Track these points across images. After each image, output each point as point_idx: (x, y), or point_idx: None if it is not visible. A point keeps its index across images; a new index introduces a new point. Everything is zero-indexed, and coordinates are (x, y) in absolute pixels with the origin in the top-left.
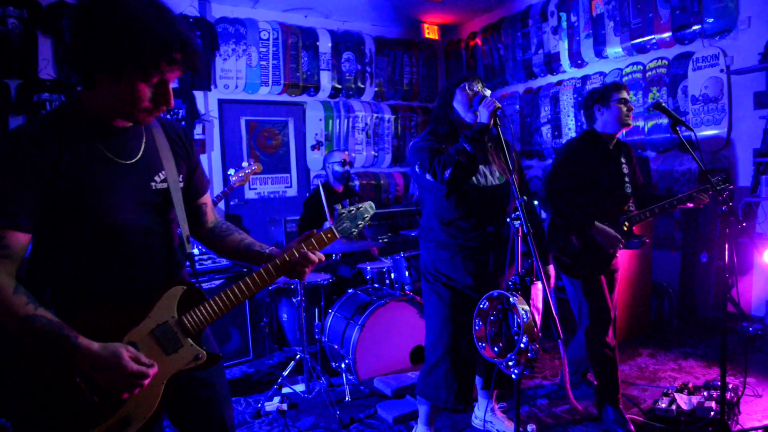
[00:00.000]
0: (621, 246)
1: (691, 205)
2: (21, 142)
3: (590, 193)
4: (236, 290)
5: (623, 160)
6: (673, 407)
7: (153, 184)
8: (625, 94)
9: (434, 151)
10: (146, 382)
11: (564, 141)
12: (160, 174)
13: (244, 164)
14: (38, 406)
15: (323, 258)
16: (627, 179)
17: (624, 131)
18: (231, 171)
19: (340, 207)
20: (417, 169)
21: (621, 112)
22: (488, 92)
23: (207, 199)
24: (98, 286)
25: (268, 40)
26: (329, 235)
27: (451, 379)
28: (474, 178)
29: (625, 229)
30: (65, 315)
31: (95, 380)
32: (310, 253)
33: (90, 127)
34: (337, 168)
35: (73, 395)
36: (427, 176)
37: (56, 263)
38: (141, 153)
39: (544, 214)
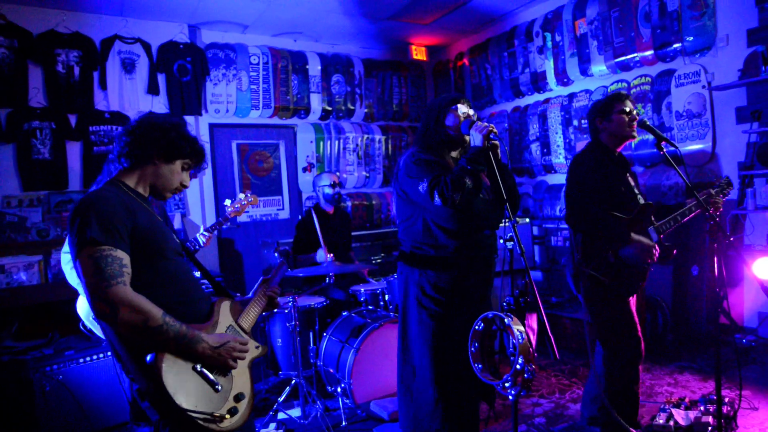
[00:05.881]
0: (656, 254)
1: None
2: (111, 198)
3: (613, 206)
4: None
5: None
6: (671, 423)
7: (174, 236)
8: (628, 105)
9: (433, 167)
10: (248, 347)
11: (552, 158)
12: (173, 233)
13: (241, 196)
14: (183, 396)
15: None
16: (636, 191)
17: (633, 143)
18: (227, 202)
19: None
20: (421, 190)
21: (623, 124)
22: (473, 113)
23: None
24: (171, 305)
25: (258, 64)
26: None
27: (456, 408)
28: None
29: (659, 239)
30: None
31: (213, 365)
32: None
33: (136, 197)
34: (328, 191)
35: (202, 384)
36: (436, 199)
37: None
38: (162, 217)
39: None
